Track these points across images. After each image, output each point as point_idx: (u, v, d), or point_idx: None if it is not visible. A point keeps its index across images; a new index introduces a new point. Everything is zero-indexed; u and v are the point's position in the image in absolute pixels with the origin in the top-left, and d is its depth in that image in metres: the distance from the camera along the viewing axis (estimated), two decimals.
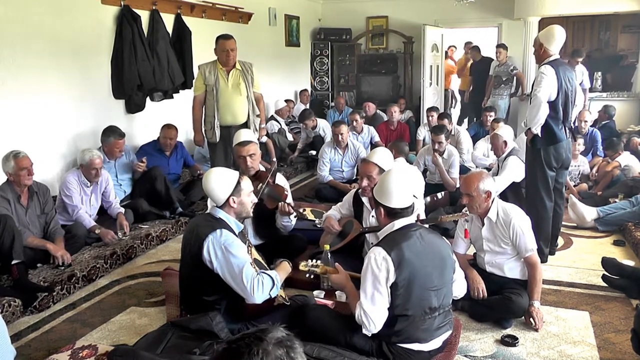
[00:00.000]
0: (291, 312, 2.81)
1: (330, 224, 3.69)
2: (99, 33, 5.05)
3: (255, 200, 2.98)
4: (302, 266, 2.98)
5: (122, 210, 4.42)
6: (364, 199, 3.59)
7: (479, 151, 6.06)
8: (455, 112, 10.25)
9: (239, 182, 2.81)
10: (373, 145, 6.68)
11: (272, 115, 7.81)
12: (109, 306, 3.44)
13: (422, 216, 3.57)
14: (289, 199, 3.70)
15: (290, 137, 7.81)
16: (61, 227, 3.94)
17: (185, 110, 5.17)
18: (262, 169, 3.82)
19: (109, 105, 5.22)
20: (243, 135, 3.88)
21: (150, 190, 4.78)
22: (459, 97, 10.60)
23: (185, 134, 5.96)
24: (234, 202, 2.80)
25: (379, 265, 2.40)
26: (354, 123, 6.70)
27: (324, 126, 7.25)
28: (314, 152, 7.09)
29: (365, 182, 3.49)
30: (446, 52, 10.08)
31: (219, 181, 2.79)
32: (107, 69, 5.17)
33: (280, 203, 3.54)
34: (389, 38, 9.98)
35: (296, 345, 1.26)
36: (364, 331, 2.48)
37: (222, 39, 4.68)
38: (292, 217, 3.61)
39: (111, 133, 4.66)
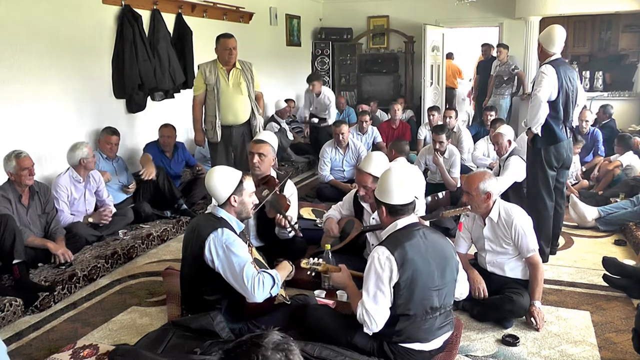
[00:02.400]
0: (292, 312, 2.81)
1: (330, 227, 3.66)
2: (100, 33, 5.05)
3: (257, 201, 2.98)
4: (304, 264, 2.98)
5: (113, 209, 4.41)
6: (365, 204, 3.58)
7: (479, 151, 6.05)
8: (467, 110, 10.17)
9: (241, 182, 2.82)
10: (375, 146, 6.68)
11: (272, 116, 7.81)
12: (110, 306, 3.44)
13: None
14: (292, 211, 3.65)
15: (291, 136, 7.80)
16: (62, 227, 3.94)
17: (186, 110, 5.17)
18: (274, 174, 3.76)
19: (109, 105, 5.21)
20: (263, 135, 3.96)
21: (153, 190, 4.80)
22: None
23: (185, 133, 5.96)
24: (235, 201, 2.80)
25: (382, 264, 2.40)
26: (364, 124, 6.68)
27: (328, 95, 7.34)
28: (316, 120, 7.33)
29: (362, 192, 3.49)
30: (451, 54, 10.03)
31: (222, 179, 2.80)
32: (107, 68, 5.17)
33: (278, 215, 3.49)
34: (390, 38, 9.97)
35: (293, 347, 1.27)
36: (365, 330, 2.47)
37: (224, 37, 4.68)
38: (288, 231, 3.59)
39: (105, 129, 4.79)
